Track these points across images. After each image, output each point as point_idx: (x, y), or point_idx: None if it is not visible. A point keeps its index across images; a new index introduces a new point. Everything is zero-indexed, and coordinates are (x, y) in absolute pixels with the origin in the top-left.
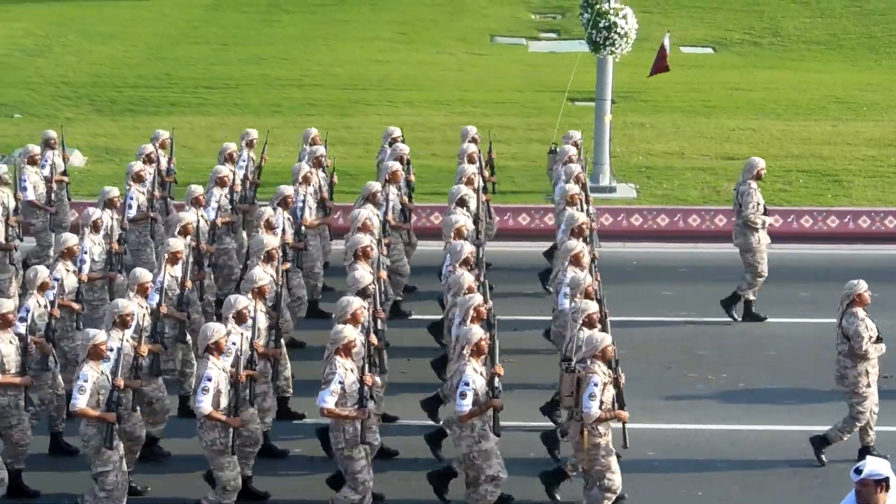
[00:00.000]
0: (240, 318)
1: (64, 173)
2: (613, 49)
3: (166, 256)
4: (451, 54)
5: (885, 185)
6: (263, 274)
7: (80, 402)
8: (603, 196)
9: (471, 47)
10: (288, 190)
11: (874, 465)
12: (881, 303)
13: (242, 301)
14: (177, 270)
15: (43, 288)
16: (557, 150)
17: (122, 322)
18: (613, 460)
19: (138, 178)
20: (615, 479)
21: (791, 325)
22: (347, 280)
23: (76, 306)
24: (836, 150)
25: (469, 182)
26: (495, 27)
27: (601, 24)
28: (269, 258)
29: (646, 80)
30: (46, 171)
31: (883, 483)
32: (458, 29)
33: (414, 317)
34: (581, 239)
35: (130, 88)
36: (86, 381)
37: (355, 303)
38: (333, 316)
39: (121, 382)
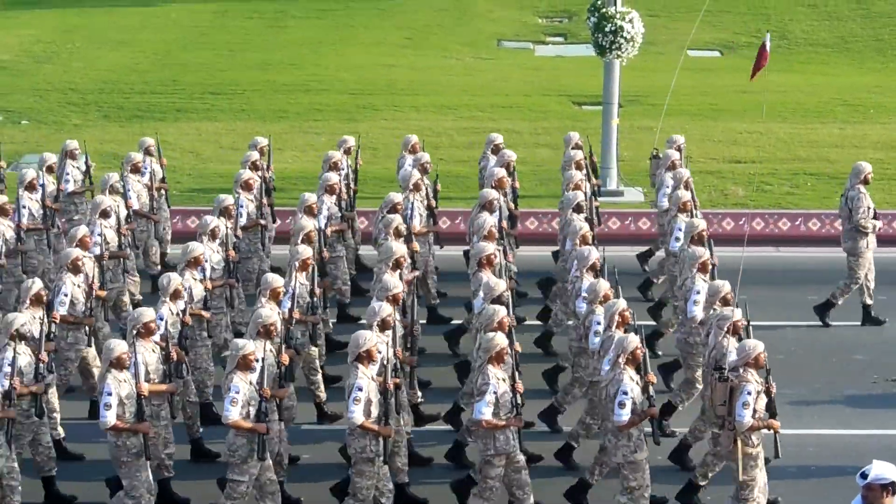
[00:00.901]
0: (384, 326)
1: (163, 180)
2: (620, 53)
3: (297, 264)
4: (457, 59)
5: (893, 188)
6: (397, 281)
7: (233, 413)
8: (610, 200)
9: (478, 52)
10: (397, 197)
11: (880, 469)
12: (892, 306)
13: (387, 308)
14: (304, 277)
15: (175, 296)
16: (660, 154)
17: (265, 332)
18: (761, 475)
19: (247, 187)
20: (761, 499)
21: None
22: (483, 289)
23: (206, 314)
24: (844, 153)
25: (577, 188)
26: (502, 32)
27: (607, 28)
28: (396, 265)
29: (653, 83)
30: (146, 179)
31: (889, 487)
32: (464, 34)
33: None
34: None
35: (138, 95)
36: (237, 392)
37: (501, 311)
38: (475, 323)
39: (268, 392)
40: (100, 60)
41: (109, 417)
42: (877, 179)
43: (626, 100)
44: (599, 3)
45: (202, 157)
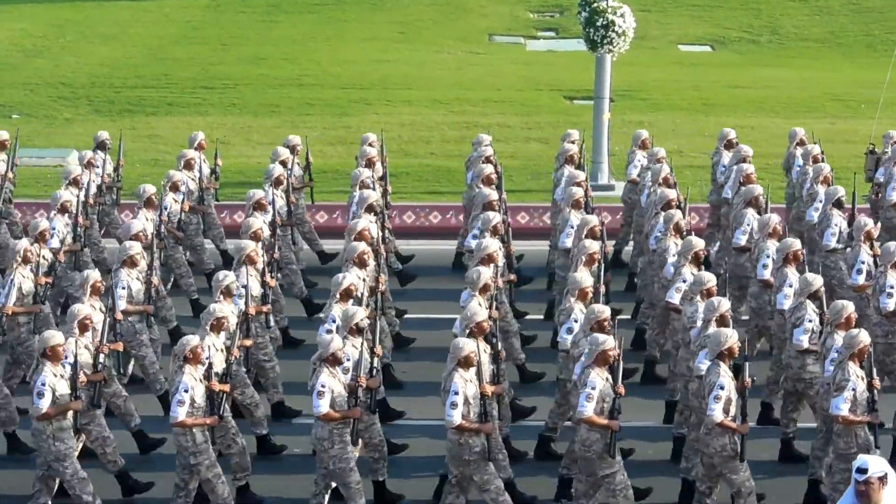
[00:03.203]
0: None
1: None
2: (611, 47)
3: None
4: (449, 53)
5: None
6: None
7: (587, 409)
8: (602, 194)
9: (469, 46)
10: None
11: (876, 464)
12: None
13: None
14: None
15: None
16: (876, 150)
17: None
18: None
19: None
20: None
21: None
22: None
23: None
24: (835, 148)
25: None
26: (494, 26)
27: (599, 23)
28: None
29: (644, 78)
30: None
31: (884, 479)
32: (456, 28)
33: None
34: None
35: (129, 89)
36: (593, 388)
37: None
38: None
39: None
40: (91, 55)
41: (181, 413)
42: None
43: (617, 94)
44: None
45: None
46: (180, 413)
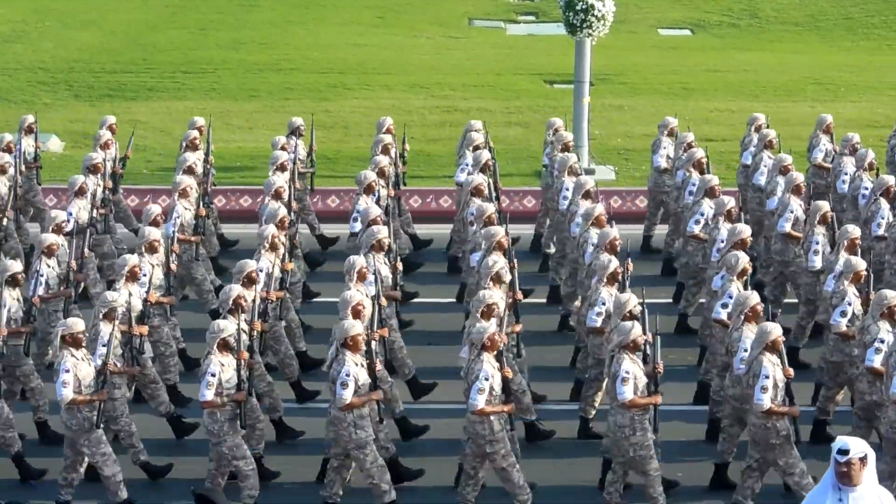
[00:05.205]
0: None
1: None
2: (591, 31)
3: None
4: (429, 38)
5: None
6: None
7: (627, 394)
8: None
9: (449, 31)
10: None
11: (856, 444)
12: None
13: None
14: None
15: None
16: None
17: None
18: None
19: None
20: None
21: None
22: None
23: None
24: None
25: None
26: (473, 10)
27: (578, 7)
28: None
29: (624, 62)
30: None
31: (864, 459)
32: (436, 12)
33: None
34: None
35: (108, 74)
36: (627, 372)
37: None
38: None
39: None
40: (70, 39)
41: (209, 394)
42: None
43: (597, 78)
44: None
45: (173, 136)
46: (209, 394)
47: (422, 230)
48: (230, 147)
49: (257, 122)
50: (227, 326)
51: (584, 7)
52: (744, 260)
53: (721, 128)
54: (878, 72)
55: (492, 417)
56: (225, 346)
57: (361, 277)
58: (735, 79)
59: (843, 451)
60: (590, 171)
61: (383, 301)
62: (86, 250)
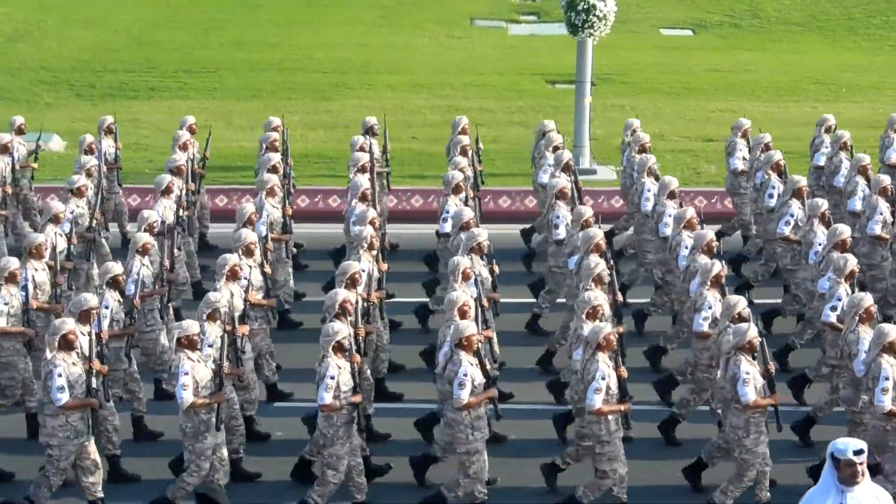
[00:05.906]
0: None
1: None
2: (592, 31)
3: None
4: (431, 38)
5: None
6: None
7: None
8: (583, 178)
9: (451, 31)
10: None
11: (856, 444)
12: None
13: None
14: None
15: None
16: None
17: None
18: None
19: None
20: None
21: None
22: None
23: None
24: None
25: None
26: (475, 10)
27: (580, 7)
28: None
29: (625, 62)
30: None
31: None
32: (438, 12)
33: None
34: None
35: (110, 73)
36: (748, 374)
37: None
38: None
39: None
40: (72, 39)
41: (328, 397)
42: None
43: (598, 78)
44: None
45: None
46: (327, 398)
47: (421, 230)
48: (231, 147)
49: (259, 121)
50: (341, 329)
51: (585, 7)
52: (852, 262)
53: (722, 128)
54: (879, 72)
55: (609, 417)
56: (340, 348)
57: (466, 278)
58: (736, 79)
59: (845, 452)
60: (591, 171)
61: (485, 302)
62: (175, 250)
